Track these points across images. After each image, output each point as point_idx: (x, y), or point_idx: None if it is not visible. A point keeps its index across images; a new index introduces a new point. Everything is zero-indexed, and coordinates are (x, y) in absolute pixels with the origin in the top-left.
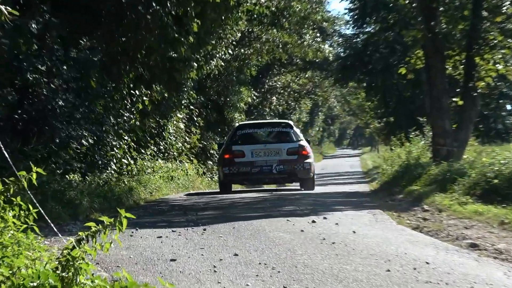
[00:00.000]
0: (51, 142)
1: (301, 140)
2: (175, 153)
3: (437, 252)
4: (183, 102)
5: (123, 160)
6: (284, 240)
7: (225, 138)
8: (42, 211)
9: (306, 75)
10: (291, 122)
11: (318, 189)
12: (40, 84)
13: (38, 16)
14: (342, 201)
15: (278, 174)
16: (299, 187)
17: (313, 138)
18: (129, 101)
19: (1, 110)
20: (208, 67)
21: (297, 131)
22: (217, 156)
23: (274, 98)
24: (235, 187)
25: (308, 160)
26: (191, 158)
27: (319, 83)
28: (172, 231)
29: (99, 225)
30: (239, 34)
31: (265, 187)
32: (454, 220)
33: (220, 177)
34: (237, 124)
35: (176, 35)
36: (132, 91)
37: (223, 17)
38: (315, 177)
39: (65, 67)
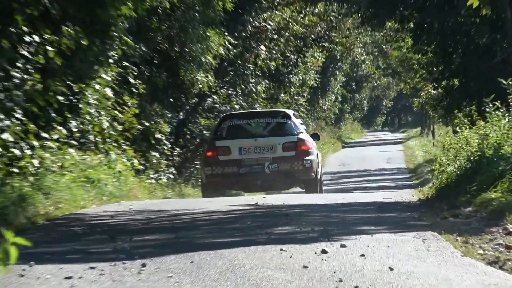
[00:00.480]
0: None
1: (300, 132)
2: (97, 139)
3: None
4: (111, 54)
5: (12, 149)
6: (275, 283)
7: (181, 114)
8: None
9: (316, 10)
10: (289, 112)
11: (334, 198)
12: None
13: None
14: (372, 218)
15: (272, 175)
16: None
17: (326, 113)
18: (24, 52)
19: None
20: None
21: (297, 122)
22: (167, 144)
23: (262, 47)
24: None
25: (309, 157)
26: (124, 147)
27: (336, 24)
28: (90, 268)
29: None
30: None
31: (246, 195)
32: None
33: (202, 180)
34: (223, 114)
35: None
36: (29, 37)
37: None
38: (322, 177)
39: None
